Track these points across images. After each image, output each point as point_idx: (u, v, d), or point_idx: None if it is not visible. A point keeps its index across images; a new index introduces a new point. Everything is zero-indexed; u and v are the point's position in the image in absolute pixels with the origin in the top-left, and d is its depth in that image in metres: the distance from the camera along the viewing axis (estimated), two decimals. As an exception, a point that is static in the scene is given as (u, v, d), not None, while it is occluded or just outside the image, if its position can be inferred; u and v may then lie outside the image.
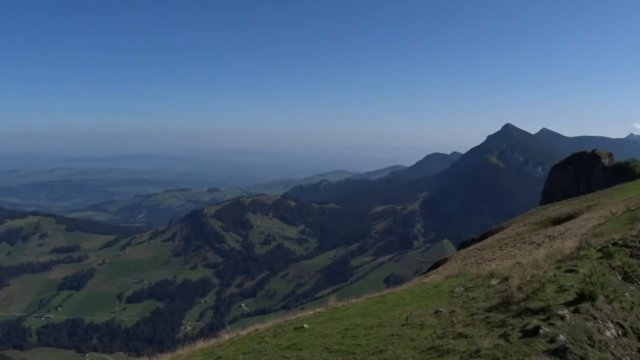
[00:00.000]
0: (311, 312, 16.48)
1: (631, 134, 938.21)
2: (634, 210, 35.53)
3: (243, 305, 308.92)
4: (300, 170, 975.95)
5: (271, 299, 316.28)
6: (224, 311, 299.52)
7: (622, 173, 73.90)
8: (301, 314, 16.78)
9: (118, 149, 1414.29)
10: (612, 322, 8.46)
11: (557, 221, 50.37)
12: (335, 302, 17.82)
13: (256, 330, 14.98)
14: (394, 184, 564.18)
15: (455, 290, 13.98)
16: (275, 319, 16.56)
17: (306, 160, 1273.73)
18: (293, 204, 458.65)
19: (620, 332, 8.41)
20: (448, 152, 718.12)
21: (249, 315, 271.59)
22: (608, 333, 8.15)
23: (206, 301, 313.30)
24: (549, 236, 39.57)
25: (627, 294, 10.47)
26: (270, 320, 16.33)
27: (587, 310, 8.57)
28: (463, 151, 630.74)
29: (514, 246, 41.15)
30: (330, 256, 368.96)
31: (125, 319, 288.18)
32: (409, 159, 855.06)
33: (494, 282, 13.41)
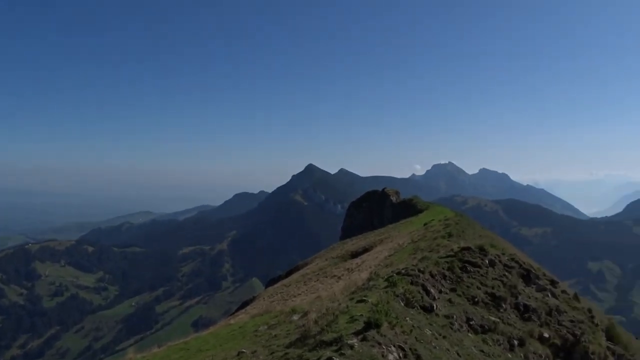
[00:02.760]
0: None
1: (413, 174, 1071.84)
2: (416, 241, 40.14)
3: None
4: (98, 211, 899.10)
5: (63, 358, 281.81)
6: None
7: (407, 208, 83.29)
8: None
9: None
10: (394, 345, 9.35)
11: (355, 254, 54.39)
12: (134, 354, 16.55)
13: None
14: (202, 224, 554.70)
15: (260, 329, 14.08)
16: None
17: (106, 201, 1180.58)
18: (90, 249, 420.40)
19: (401, 354, 9.33)
20: (255, 191, 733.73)
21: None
22: (391, 356, 8.98)
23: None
24: (348, 269, 42.46)
25: (408, 318, 11.68)
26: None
27: (373, 337, 9.35)
28: (270, 190, 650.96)
29: (317, 280, 43.20)
30: (133, 304, 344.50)
31: None
32: (217, 198, 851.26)
33: (295, 317, 13.84)
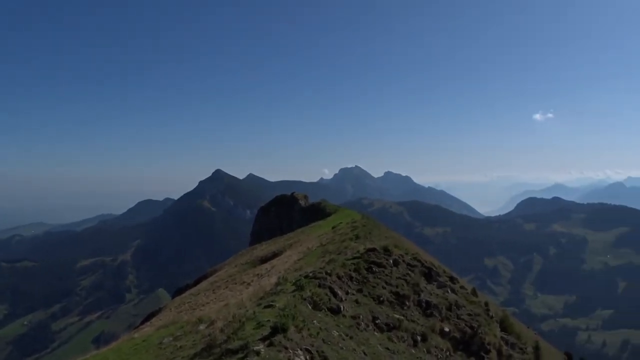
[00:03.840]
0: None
1: (321, 178, 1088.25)
2: (325, 244, 40.69)
3: None
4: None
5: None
6: None
7: (316, 212, 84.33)
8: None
9: None
10: (301, 349, 9.38)
11: (264, 260, 54.11)
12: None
13: None
14: (103, 234, 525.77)
15: (164, 341, 13.55)
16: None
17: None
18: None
19: (308, 357, 9.38)
20: (160, 198, 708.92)
21: None
22: (297, 360, 9.00)
23: None
24: (258, 275, 42.12)
25: (315, 321, 11.77)
26: None
27: (280, 342, 9.32)
28: (176, 197, 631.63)
29: (227, 288, 42.46)
30: (26, 322, 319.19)
31: None
32: (120, 206, 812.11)
33: (202, 327, 13.47)
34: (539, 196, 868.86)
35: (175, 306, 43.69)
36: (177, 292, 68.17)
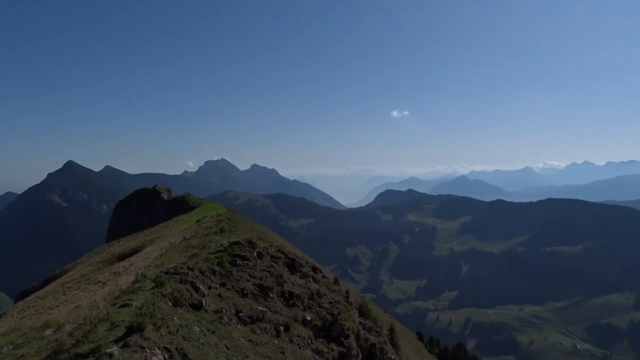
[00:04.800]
0: None
1: (185, 171, 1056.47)
2: (188, 239, 39.61)
3: None
4: None
5: None
6: None
7: (179, 206, 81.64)
8: None
9: None
10: (159, 347, 9.02)
11: (122, 257, 51.21)
12: None
13: None
14: None
15: (3, 350, 12.23)
16: None
17: None
18: None
19: (167, 355, 9.04)
20: (1, 192, 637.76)
21: None
22: (155, 359, 8.63)
23: None
24: (115, 273, 39.73)
25: (175, 318, 11.40)
26: None
27: (136, 342, 8.86)
28: (19, 191, 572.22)
29: (79, 288, 39.48)
30: None
31: None
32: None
33: (48, 332, 12.39)
34: (395, 188, 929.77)
35: (17, 311, 39.62)
36: (21, 295, 62.03)
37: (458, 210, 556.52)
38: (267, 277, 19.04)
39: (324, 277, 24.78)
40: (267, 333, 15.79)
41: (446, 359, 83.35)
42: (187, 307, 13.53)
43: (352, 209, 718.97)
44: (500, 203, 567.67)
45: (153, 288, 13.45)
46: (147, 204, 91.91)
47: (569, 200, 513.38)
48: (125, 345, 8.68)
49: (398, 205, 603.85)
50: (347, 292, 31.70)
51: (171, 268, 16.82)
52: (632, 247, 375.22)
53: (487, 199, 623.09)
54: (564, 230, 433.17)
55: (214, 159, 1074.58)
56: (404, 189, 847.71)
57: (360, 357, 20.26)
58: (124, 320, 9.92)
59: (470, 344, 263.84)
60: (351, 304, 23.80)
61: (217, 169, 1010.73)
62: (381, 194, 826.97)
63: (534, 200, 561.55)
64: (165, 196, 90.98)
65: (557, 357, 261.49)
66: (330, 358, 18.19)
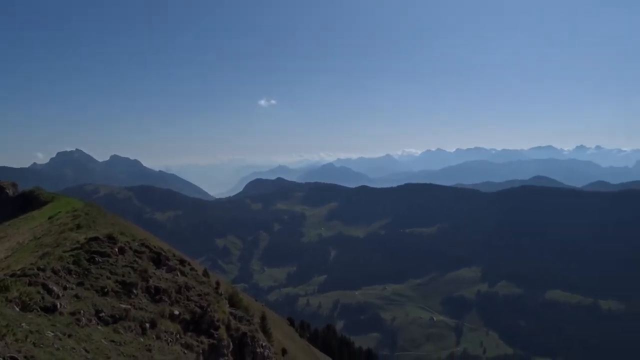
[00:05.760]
0: None
1: (35, 163, 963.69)
2: (40, 237, 36.28)
3: None
4: None
5: None
6: None
7: (27, 202, 74.19)
8: None
9: None
10: (4, 358, 8.15)
11: (-42, 261, 45.54)
12: None
13: None
14: None
15: None
16: None
17: None
18: None
19: (14, 365, 8.20)
20: None
21: None
22: (-1, 371, 7.81)
23: None
24: (-51, 279, 35.26)
25: (24, 323, 10.37)
26: None
27: (-25, 354, 7.94)
28: None
29: None
30: None
31: None
32: None
33: None
34: (265, 177, 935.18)
35: None
36: None
37: (325, 197, 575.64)
38: (130, 273, 18.11)
39: (192, 269, 24.19)
40: (131, 331, 15.04)
41: (316, 340, 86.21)
42: (38, 311, 12.39)
43: (221, 199, 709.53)
44: (364, 189, 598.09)
45: (-4, 293, 12.09)
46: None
47: (425, 184, 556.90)
48: (-39, 359, 7.73)
49: (267, 194, 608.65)
50: (217, 283, 31.34)
51: (18, 270, 15.29)
52: (478, 226, 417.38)
53: (352, 186, 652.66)
54: (421, 212, 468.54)
55: (68, 149, 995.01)
56: (273, 177, 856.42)
57: (231, 347, 20.18)
58: (-42, 331, 8.80)
59: (339, 325, 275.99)
60: (221, 295, 23.57)
61: (72, 160, 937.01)
62: (250, 183, 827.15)
63: (395, 185, 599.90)
64: (10, 192, 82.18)
65: (417, 330, 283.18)
66: (201, 351, 17.87)
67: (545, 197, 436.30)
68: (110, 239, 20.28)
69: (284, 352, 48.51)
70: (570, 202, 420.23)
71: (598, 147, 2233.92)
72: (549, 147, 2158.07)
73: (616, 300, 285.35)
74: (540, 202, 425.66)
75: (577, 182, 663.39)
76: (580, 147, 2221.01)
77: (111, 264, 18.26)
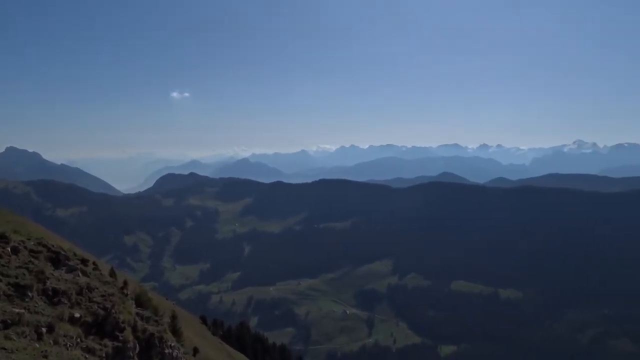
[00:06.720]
0: None
1: None
2: None
3: None
4: None
5: None
6: None
7: None
8: None
9: None
10: None
11: None
12: None
13: None
14: None
15: None
16: None
17: None
18: None
19: None
20: None
21: None
22: None
23: None
24: None
25: None
26: None
27: None
28: None
29: None
30: None
31: None
32: None
33: None
34: (177, 172, 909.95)
35: None
36: None
37: (240, 193, 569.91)
38: (24, 274, 16.82)
39: (95, 269, 22.94)
40: (25, 337, 13.99)
41: (230, 338, 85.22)
42: None
43: (129, 194, 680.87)
44: (279, 184, 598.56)
45: None
46: None
47: (339, 180, 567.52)
48: None
49: (179, 190, 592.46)
50: (125, 282, 29.93)
51: None
52: (388, 219, 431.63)
53: (267, 181, 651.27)
54: (335, 207, 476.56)
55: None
56: (185, 172, 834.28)
57: (137, 349, 19.36)
58: None
59: (253, 322, 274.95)
60: (127, 295, 22.56)
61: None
62: (161, 178, 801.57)
63: (309, 181, 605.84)
64: None
65: (330, 323, 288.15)
66: (104, 354, 16.98)
67: (452, 192, 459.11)
68: (2, 238, 18.76)
69: (195, 351, 47.41)
70: (474, 197, 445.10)
71: (499, 145, 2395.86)
72: (455, 145, 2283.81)
73: (514, 289, 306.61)
74: (448, 198, 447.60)
75: (481, 179, 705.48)
76: (483, 146, 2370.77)
77: (3, 265, 16.88)
